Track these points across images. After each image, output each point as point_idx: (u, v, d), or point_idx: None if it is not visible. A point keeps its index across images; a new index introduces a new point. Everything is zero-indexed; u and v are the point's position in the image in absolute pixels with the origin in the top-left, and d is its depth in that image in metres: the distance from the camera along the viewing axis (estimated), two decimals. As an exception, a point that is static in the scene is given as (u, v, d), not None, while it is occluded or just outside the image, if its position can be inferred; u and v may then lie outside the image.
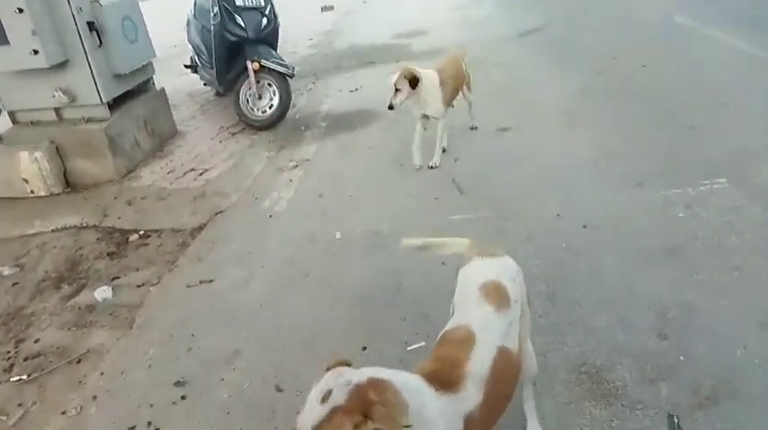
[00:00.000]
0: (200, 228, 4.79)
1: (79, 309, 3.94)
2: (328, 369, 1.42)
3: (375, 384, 1.36)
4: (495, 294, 1.89)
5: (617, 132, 5.12)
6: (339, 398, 1.30)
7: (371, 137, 5.98)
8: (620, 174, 4.37)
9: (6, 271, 4.53)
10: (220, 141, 6.64)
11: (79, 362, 3.39)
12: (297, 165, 5.63)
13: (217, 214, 4.94)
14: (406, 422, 1.33)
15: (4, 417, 2.99)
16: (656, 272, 3.21)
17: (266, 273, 3.88)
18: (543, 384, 2.54)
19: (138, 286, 4.10)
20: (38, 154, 5.59)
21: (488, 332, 1.78)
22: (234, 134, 6.80)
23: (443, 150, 5.11)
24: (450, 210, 4.27)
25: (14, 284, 4.37)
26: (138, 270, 4.35)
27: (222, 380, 2.94)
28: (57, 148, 5.75)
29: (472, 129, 5.63)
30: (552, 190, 4.31)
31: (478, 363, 1.68)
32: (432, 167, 4.93)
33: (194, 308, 3.62)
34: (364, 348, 3.00)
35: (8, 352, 3.57)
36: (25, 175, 5.66)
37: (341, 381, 1.33)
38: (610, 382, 2.55)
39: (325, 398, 1.31)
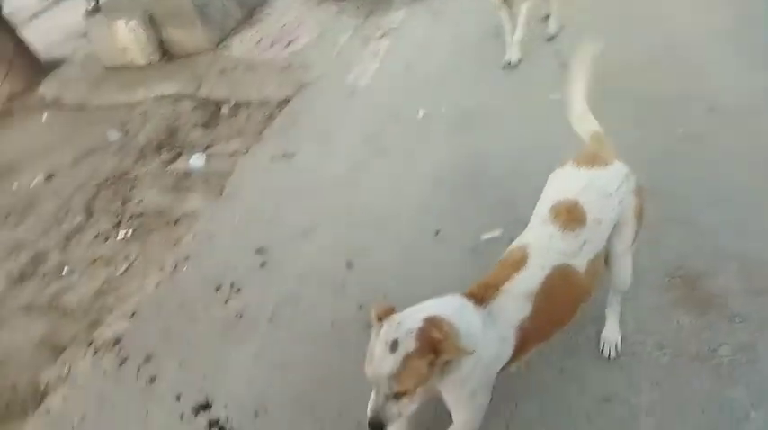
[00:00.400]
0: (286, 101, 4.75)
1: (176, 174, 4.16)
2: (379, 318, 1.52)
3: (433, 323, 1.49)
4: (567, 215, 1.78)
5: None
6: (408, 345, 1.43)
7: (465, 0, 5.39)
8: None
9: (113, 135, 4.85)
10: (308, 9, 6.35)
11: (176, 223, 3.63)
12: (384, 35, 5.29)
13: (301, 87, 4.84)
14: (467, 347, 1.48)
15: (113, 268, 3.33)
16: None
17: (345, 149, 3.81)
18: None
19: (230, 155, 4.22)
20: (133, 22, 5.69)
21: (546, 253, 1.74)
22: (322, 1, 6.46)
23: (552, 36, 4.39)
24: (551, 89, 3.82)
25: (120, 149, 4.68)
26: (228, 140, 4.46)
27: (299, 251, 3.02)
28: (150, 17, 5.79)
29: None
30: (678, 63, 3.68)
31: (523, 282, 1.70)
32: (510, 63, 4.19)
33: (276, 180, 3.68)
34: (437, 232, 2.91)
35: (116, 210, 3.90)
36: (124, 44, 5.82)
37: (403, 330, 1.45)
38: (708, 290, 2.28)
39: (394, 346, 1.43)
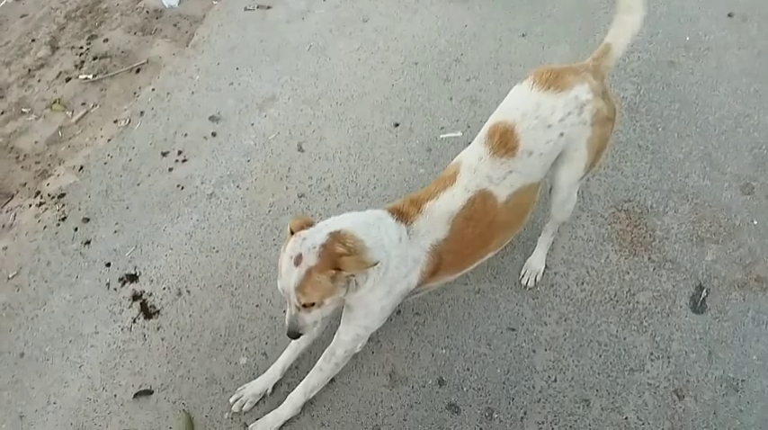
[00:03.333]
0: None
1: (147, 12, 3.84)
2: (291, 232, 1.53)
3: (338, 237, 1.51)
4: (499, 139, 1.65)
5: None
6: (310, 259, 1.46)
7: None
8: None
9: (89, -44, 4.40)
10: None
11: (138, 71, 3.44)
12: None
13: None
14: (372, 260, 1.49)
15: (69, 113, 3.24)
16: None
17: (325, 8, 3.44)
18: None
19: (206, -3, 3.85)
20: None
21: (473, 174, 1.65)
22: None
23: None
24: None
25: (94, -27, 4.28)
26: (207, -20, 4.04)
27: (252, 125, 2.88)
28: None
29: None
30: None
31: (445, 202, 1.64)
32: None
33: (246, 36, 3.39)
34: (396, 125, 2.73)
35: (81, 47, 3.68)
36: None
37: (307, 245, 1.48)
38: (649, 229, 2.17)
39: (298, 261, 1.46)
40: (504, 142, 1.64)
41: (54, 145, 3.06)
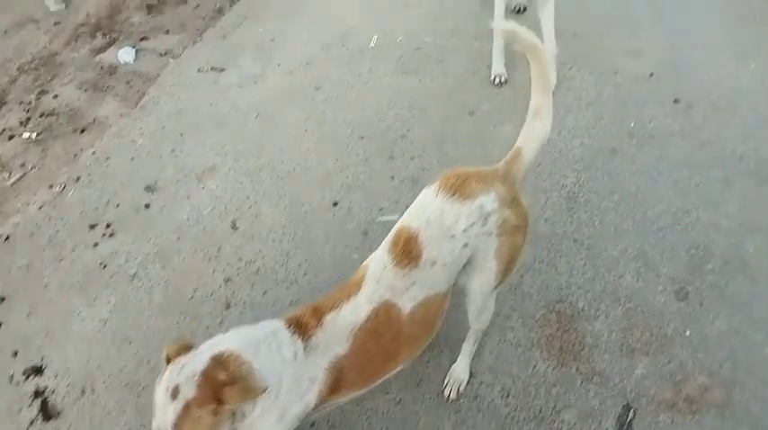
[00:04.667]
0: (238, -6, 4.19)
1: (101, 68, 3.80)
2: (168, 359, 1.37)
3: (219, 362, 1.34)
4: (404, 247, 1.55)
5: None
6: (188, 391, 1.29)
7: None
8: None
9: (53, 6, 4.38)
10: None
11: (83, 131, 3.37)
12: None
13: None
14: (260, 386, 1.35)
15: (6, 175, 3.14)
16: (739, 202, 2.36)
17: (278, 73, 3.40)
18: (502, 313, 2.12)
19: (161, 54, 3.82)
20: None
21: (377, 284, 1.54)
22: None
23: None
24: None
25: (56, 24, 4.25)
26: (167, 32, 4.02)
27: (188, 197, 2.79)
28: None
29: None
30: (658, 26, 3.12)
31: (347, 314, 1.53)
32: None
33: (196, 99, 3.33)
34: (335, 203, 2.65)
35: (29, 102, 3.61)
36: None
37: (185, 374, 1.31)
38: (579, 335, 2.07)
39: (174, 393, 1.29)
40: (408, 251, 1.55)
41: (-16, 209, 2.95)
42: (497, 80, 3.04)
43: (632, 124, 2.70)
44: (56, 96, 3.65)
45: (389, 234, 1.59)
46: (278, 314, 1.53)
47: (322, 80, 3.29)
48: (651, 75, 2.91)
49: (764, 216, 2.29)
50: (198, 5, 4.25)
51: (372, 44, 3.47)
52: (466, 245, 1.55)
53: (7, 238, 2.75)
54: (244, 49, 3.63)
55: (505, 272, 1.68)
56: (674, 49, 3.00)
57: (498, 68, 3.05)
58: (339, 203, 2.65)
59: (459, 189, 1.56)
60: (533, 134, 1.69)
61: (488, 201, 1.56)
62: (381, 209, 2.60)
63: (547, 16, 2.71)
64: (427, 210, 1.57)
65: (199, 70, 3.55)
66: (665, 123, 2.68)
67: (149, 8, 4.29)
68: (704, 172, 2.47)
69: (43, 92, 3.71)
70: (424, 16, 3.55)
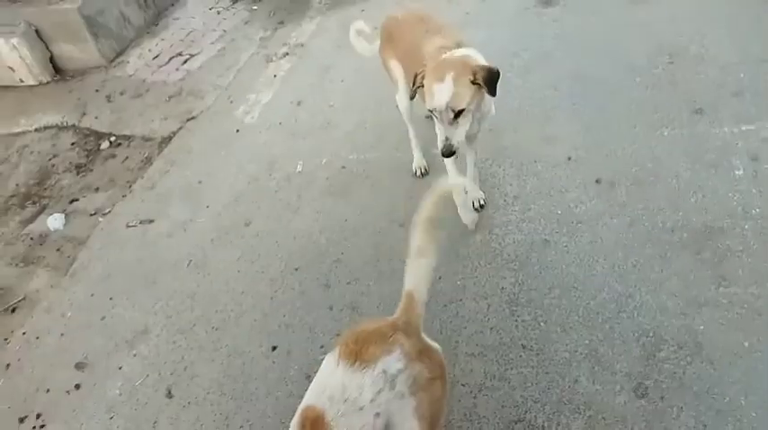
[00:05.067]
0: (169, 138, 4.25)
1: (31, 239, 3.71)
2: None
3: None
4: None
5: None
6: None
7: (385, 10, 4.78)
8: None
9: (-19, 181, 4.35)
10: (218, 12, 5.75)
11: (14, 311, 3.22)
12: (287, 53, 4.72)
13: (188, 120, 4.34)
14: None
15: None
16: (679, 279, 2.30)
17: (208, 215, 3.36)
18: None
19: (91, 214, 3.77)
20: (15, 40, 5.07)
21: None
22: (235, 2, 5.85)
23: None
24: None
25: (-14, 199, 4.20)
26: (97, 190, 4.00)
27: (120, 368, 2.63)
28: (37, 32, 5.19)
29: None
30: (569, 111, 3.22)
31: None
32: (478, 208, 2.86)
33: (124, 258, 3.24)
34: (274, 348, 2.51)
35: (-43, 287, 3.46)
36: (9, 64, 5.23)
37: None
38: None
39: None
40: None
41: None
42: (418, 172, 3.15)
43: (559, 212, 2.68)
44: (-16, 277, 3.52)
45: (296, 413, 1.46)
46: None
47: (252, 215, 3.25)
48: (569, 158, 2.95)
49: (707, 288, 2.23)
50: (126, 157, 4.27)
51: (299, 169, 3.48)
52: (378, 414, 1.43)
53: (-76, 452, 2.51)
54: (172, 196, 3.61)
55: (434, 426, 1.54)
56: (588, 131, 3.07)
57: (418, 161, 3.14)
58: (278, 347, 2.52)
59: (358, 356, 1.47)
60: (421, 272, 1.64)
61: (391, 362, 1.47)
62: (323, 346, 2.47)
63: (471, 156, 2.77)
64: (329, 385, 1.46)
65: (127, 226, 3.49)
66: (590, 206, 2.68)
67: (78, 168, 4.30)
68: (639, 250, 2.43)
69: (-29, 274, 3.58)
70: (345, 134, 3.61)
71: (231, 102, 4.34)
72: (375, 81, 3.85)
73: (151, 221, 3.47)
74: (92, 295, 3.07)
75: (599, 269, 2.41)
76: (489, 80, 2.15)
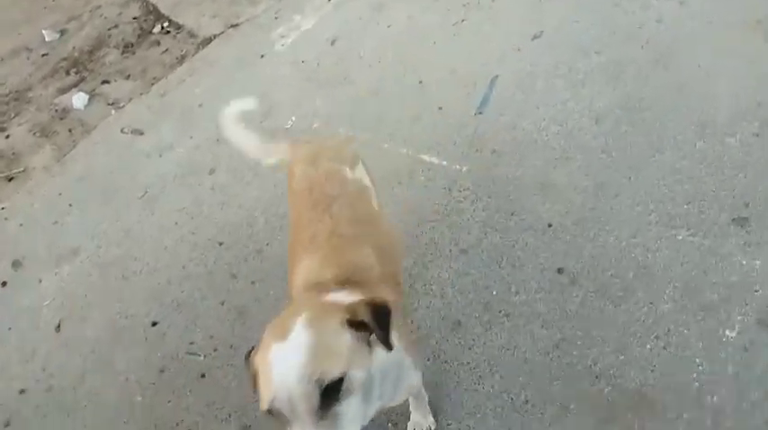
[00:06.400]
0: (208, 40, 4.09)
1: (56, 111, 3.90)
2: None
3: None
4: None
5: None
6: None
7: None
8: None
9: (48, 36, 4.57)
10: None
11: (10, 180, 3.47)
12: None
13: (231, 27, 4.10)
14: None
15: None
16: None
17: (186, 147, 3.26)
18: None
19: (109, 104, 3.84)
20: None
21: None
22: None
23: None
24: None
25: (44, 55, 4.43)
26: (128, 77, 4.04)
27: (40, 282, 2.77)
28: None
29: None
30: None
31: None
32: None
33: (104, 164, 3.31)
34: (153, 324, 2.47)
35: (-16, 140, 3.79)
36: None
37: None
38: None
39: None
40: None
41: None
42: None
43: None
44: (8, 137, 3.80)
45: None
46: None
47: (220, 163, 3.09)
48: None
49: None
50: (167, 50, 4.19)
51: (288, 125, 3.19)
52: None
53: None
54: (171, 112, 3.52)
55: None
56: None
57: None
58: (158, 324, 2.46)
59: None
60: None
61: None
62: (192, 342, 2.37)
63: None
64: None
65: (122, 131, 3.50)
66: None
67: (125, 47, 4.32)
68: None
69: (1, 129, 3.88)
70: (351, 101, 3.19)
71: (276, 18, 3.99)
72: (423, 41, 3.31)
73: (141, 134, 3.44)
74: (59, 194, 3.19)
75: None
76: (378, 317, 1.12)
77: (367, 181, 1.84)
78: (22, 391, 2.35)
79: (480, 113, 2.87)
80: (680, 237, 2.14)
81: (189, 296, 2.53)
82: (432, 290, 2.27)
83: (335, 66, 3.46)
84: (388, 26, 3.60)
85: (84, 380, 2.34)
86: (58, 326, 2.56)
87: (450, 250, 2.37)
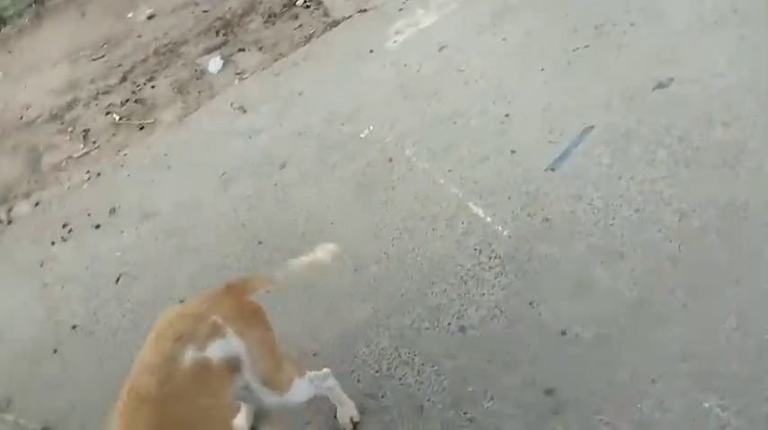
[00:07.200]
0: (337, 23, 4.13)
1: (195, 71, 4.32)
2: None
3: None
4: None
5: None
6: None
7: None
8: None
9: (210, -6, 4.98)
10: None
11: (142, 128, 4.00)
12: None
13: (358, 12, 4.08)
14: None
15: (81, 145, 3.96)
16: None
17: (272, 135, 3.36)
18: None
19: (236, 73, 4.14)
20: None
21: None
22: None
23: None
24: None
25: (205, 11, 4.87)
26: (260, 49, 4.28)
27: (122, 232, 3.18)
28: None
29: None
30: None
31: None
32: None
33: (204, 134, 3.60)
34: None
35: (138, 85, 4.37)
36: None
37: None
38: None
39: None
40: None
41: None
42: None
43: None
44: (153, 86, 4.34)
45: None
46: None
47: (292, 159, 3.17)
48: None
49: None
50: (300, 25, 4.31)
51: (364, 134, 3.14)
52: None
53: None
54: (276, 94, 3.66)
55: None
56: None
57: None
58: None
59: None
60: None
61: None
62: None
63: None
64: None
65: (231, 104, 3.75)
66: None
67: (269, 16, 4.54)
68: None
69: (152, 79, 4.43)
70: (426, 121, 3.01)
71: (401, 9, 3.85)
72: (531, 65, 2.98)
73: (244, 111, 3.66)
74: (165, 155, 3.58)
75: None
76: None
77: (233, 351, 1.55)
78: (74, 327, 2.80)
79: (552, 170, 2.51)
80: (706, 405, 1.70)
81: (158, 296, 2.73)
82: (412, 361, 2.14)
83: (433, 76, 3.27)
84: (503, 39, 3.26)
85: (116, 335, 2.70)
86: (118, 279, 2.95)
87: (450, 324, 2.19)
